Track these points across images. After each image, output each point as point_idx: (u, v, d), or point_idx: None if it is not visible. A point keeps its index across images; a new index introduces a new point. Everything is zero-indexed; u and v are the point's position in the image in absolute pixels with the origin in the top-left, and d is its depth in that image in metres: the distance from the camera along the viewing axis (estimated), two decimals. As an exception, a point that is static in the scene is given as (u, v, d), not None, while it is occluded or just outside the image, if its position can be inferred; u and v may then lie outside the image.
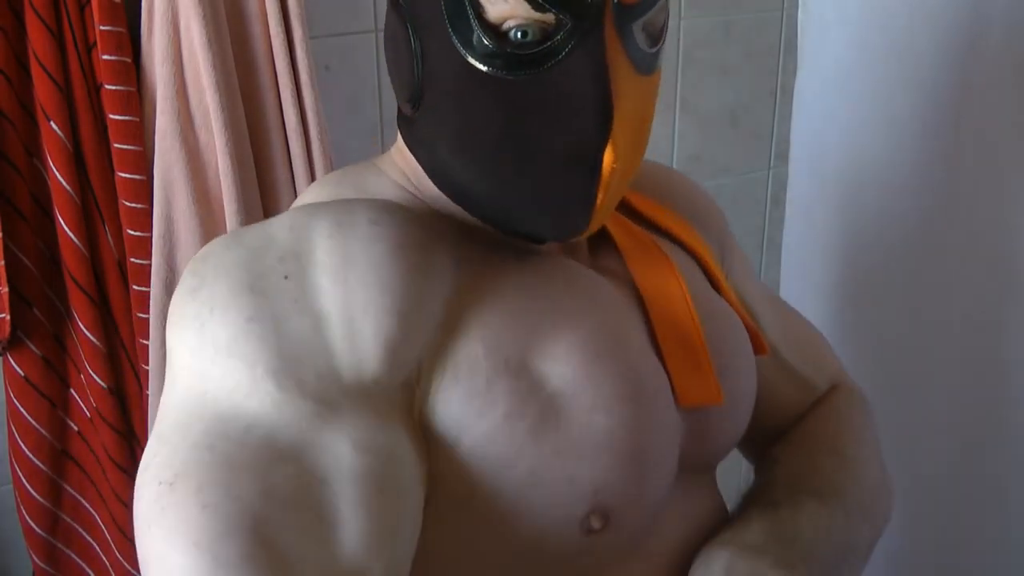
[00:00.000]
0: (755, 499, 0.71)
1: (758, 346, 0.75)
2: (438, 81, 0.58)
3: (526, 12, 0.54)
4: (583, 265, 0.69)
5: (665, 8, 0.60)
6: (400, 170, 0.67)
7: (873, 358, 1.46)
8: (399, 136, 0.68)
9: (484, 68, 0.55)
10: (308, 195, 0.67)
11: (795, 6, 1.64)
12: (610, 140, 0.55)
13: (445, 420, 0.56)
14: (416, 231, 0.58)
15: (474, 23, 0.55)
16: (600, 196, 0.57)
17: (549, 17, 0.54)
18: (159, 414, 0.55)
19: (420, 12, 0.58)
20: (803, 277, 1.59)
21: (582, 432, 0.58)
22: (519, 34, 0.55)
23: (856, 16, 1.40)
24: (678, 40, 1.61)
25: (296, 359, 0.52)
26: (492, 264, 0.62)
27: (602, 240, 0.72)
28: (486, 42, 0.55)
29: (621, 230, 0.73)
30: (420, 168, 0.66)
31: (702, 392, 0.65)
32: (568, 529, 0.58)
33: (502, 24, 0.55)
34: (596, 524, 0.58)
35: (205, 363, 0.53)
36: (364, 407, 0.53)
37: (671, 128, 1.67)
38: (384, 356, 0.54)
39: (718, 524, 0.69)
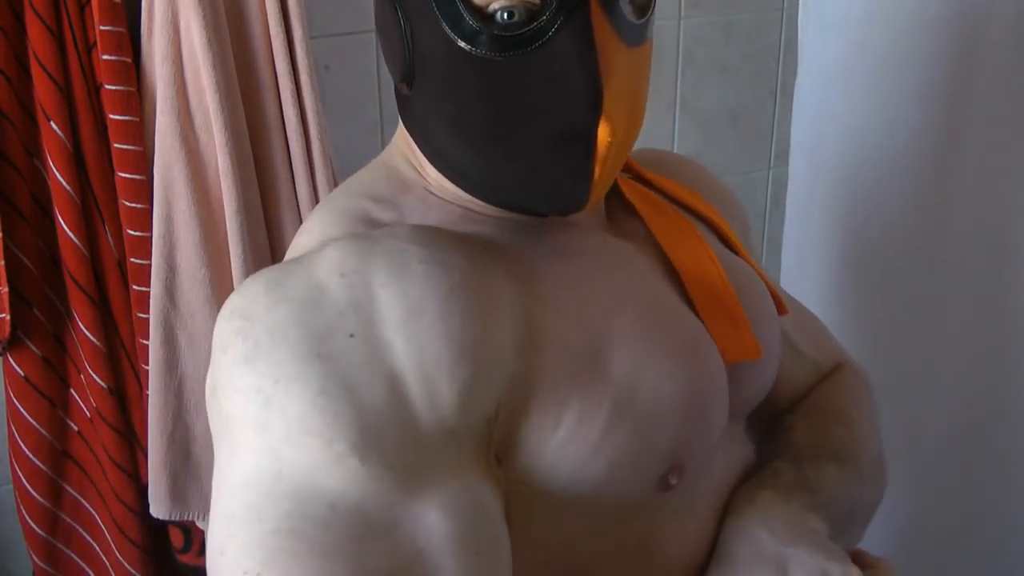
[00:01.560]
0: (779, 454, 0.73)
1: (779, 305, 0.76)
2: (428, 63, 0.58)
3: None
4: (608, 234, 0.69)
5: None
6: (408, 162, 0.67)
7: (872, 357, 1.46)
8: (401, 121, 0.68)
9: (472, 50, 0.56)
10: (323, 215, 0.64)
11: (795, 6, 1.64)
12: (603, 115, 0.55)
13: (524, 443, 0.56)
14: (462, 258, 0.56)
15: (460, 5, 0.55)
16: (597, 170, 0.57)
17: None
18: (222, 488, 0.52)
19: None
20: (803, 277, 1.59)
21: (655, 403, 0.58)
22: (505, 15, 0.55)
23: (856, 17, 1.40)
24: (678, 40, 1.61)
25: (376, 430, 0.50)
26: (532, 259, 0.62)
27: (621, 206, 0.73)
28: (473, 24, 0.55)
29: (638, 196, 0.73)
30: (415, 146, 0.66)
31: (743, 347, 0.67)
32: (647, 490, 0.60)
33: (488, 6, 0.55)
34: (674, 480, 0.60)
35: (276, 441, 0.50)
36: (446, 466, 0.52)
37: (671, 128, 1.67)
38: (463, 406, 0.52)
39: (751, 469, 0.72)
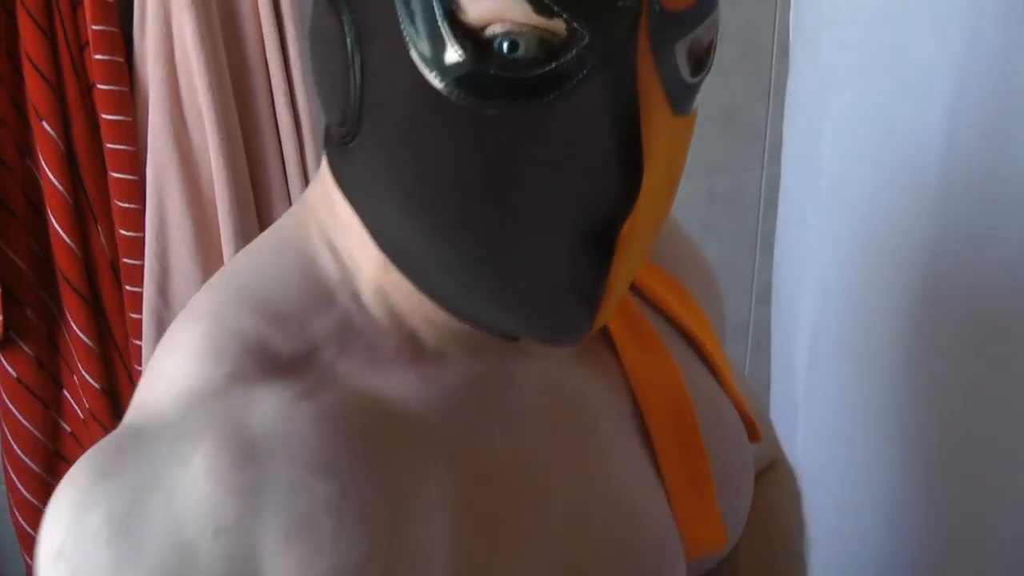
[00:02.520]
0: None
1: (753, 434, 0.63)
2: (384, 104, 0.41)
3: (523, 14, 0.37)
4: (577, 371, 0.53)
5: (717, 21, 0.43)
6: (331, 248, 0.48)
7: (868, 358, 1.46)
8: (324, 164, 0.49)
9: (453, 94, 0.38)
10: (201, 334, 0.45)
11: (787, 7, 1.64)
12: (632, 211, 0.39)
13: None
14: (380, 493, 0.42)
15: (442, 24, 0.38)
16: (610, 285, 0.41)
17: (556, 25, 0.37)
18: None
19: (361, 1, 0.42)
20: (796, 278, 1.59)
21: None
22: (508, 46, 0.38)
23: (849, 17, 1.40)
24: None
25: None
26: (467, 442, 0.46)
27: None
28: (458, 54, 0.38)
29: (617, 313, 0.58)
30: (352, 222, 0.47)
31: (709, 540, 0.55)
32: None
33: (484, 29, 0.38)
34: None
35: None
36: None
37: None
38: None
39: None
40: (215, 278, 0.49)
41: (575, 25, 0.37)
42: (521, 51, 0.38)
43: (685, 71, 0.41)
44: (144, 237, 1.12)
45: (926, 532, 1.44)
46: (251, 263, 0.49)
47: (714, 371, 0.61)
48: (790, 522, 0.75)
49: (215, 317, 0.45)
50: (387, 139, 0.41)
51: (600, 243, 0.40)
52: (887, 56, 1.35)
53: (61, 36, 1.07)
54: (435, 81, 0.39)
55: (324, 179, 0.49)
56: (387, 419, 0.44)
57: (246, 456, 0.40)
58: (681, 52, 0.41)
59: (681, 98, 0.41)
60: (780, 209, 1.66)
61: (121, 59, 1.09)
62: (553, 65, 0.38)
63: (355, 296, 0.47)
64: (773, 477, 0.78)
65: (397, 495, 0.42)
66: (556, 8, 0.37)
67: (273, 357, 0.44)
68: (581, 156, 0.39)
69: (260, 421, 0.41)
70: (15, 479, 1.20)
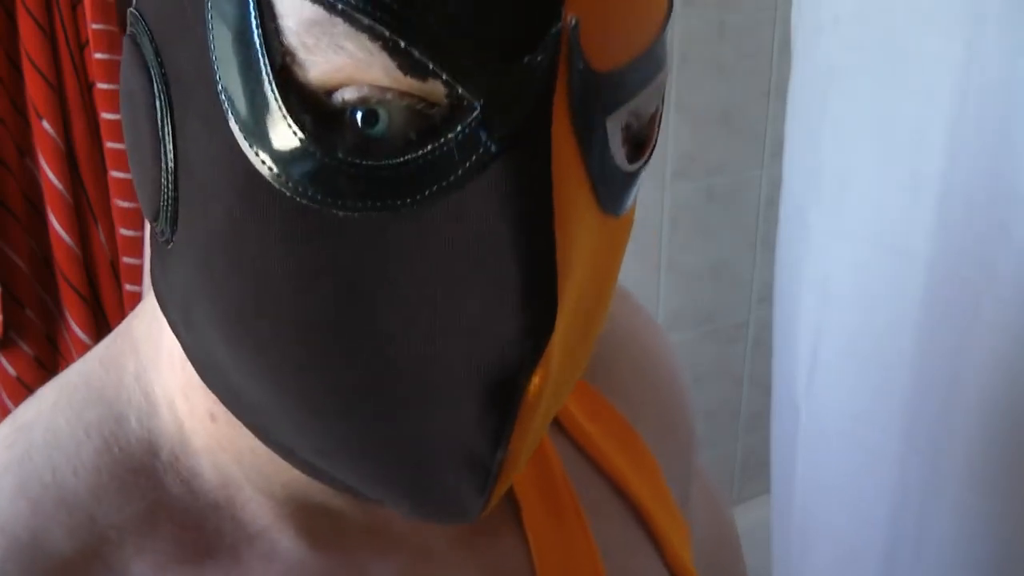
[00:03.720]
0: None
1: None
2: (199, 195, 0.29)
3: (385, 74, 0.26)
4: (452, 554, 0.40)
5: (663, 87, 0.32)
6: (147, 392, 0.38)
7: (869, 357, 1.46)
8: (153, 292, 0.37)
9: (287, 187, 0.27)
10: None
11: (788, 6, 1.64)
12: (542, 361, 0.27)
13: None
14: None
15: (270, 85, 0.27)
16: (511, 454, 0.29)
17: (434, 89, 0.26)
18: None
19: (169, 45, 0.30)
20: (798, 277, 1.59)
21: None
22: (363, 118, 0.27)
23: (850, 16, 1.40)
24: (671, 39, 1.61)
25: None
26: None
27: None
28: (293, 132, 0.27)
29: (530, 473, 0.43)
30: (175, 355, 0.36)
31: None
32: None
33: (332, 94, 0.27)
34: None
35: None
36: None
37: (665, 128, 1.67)
38: None
39: None
40: (4, 430, 0.38)
41: (460, 90, 0.26)
42: (382, 126, 0.26)
43: (620, 155, 0.30)
44: (144, 236, 1.12)
45: (926, 532, 1.43)
46: (42, 421, 0.37)
47: (660, 545, 0.47)
48: None
49: None
50: (205, 247, 0.30)
51: (498, 398, 0.28)
52: (889, 55, 1.35)
53: (61, 35, 1.07)
54: (260, 166, 0.27)
55: (149, 302, 0.38)
56: None
57: None
58: (615, 129, 0.29)
59: (614, 193, 0.30)
60: (781, 208, 1.66)
61: (120, 58, 1.09)
62: (429, 147, 0.26)
63: (172, 464, 0.36)
64: None
65: None
66: (431, 66, 0.26)
67: (45, 557, 0.33)
68: (471, 278, 0.27)
69: None
70: (15, 479, 1.20)
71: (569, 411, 0.46)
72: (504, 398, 0.28)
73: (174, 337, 0.35)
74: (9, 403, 1.16)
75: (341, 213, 0.27)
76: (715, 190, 1.72)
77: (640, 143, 0.32)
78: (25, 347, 1.15)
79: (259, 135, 0.27)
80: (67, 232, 1.10)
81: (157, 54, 0.30)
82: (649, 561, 0.47)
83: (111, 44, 1.07)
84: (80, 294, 1.12)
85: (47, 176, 1.09)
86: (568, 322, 0.28)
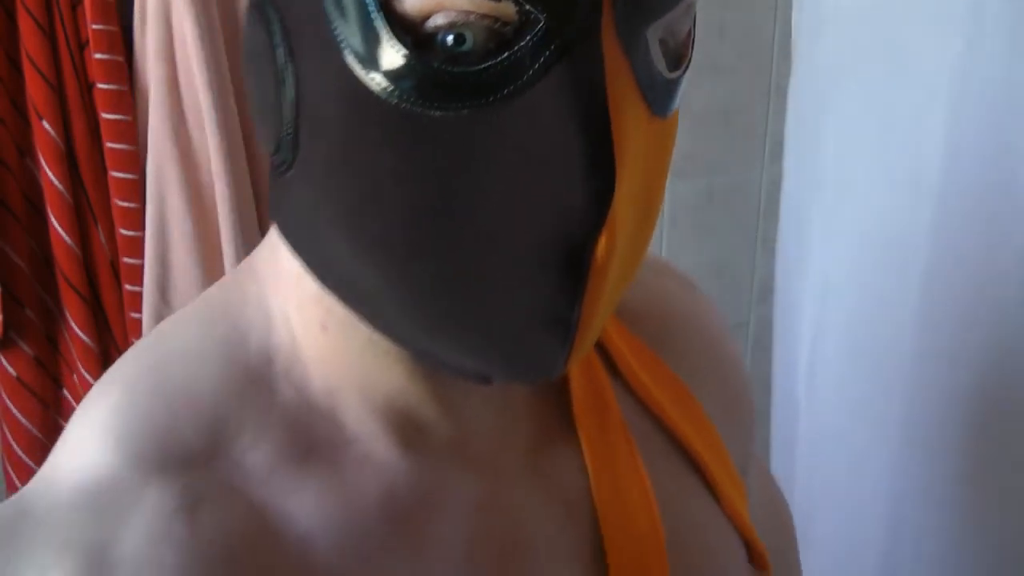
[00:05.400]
0: None
1: (760, 564, 0.56)
2: (319, 120, 0.36)
3: (468, 1, 0.33)
4: (520, 479, 0.46)
5: (693, 7, 0.38)
6: (267, 315, 0.44)
7: (870, 357, 1.46)
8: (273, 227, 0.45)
9: (393, 96, 0.34)
10: (108, 425, 0.42)
11: (789, 5, 1.64)
12: (606, 225, 0.33)
13: None
14: None
15: (376, 17, 0.33)
16: (583, 316, 0.35)
17: (506, 8, 0.33)
18: None
19: (287, 7, 0.37)
20: (797, 276, 1.59)
21: None
22: (452, 39, 0.33)
23: (851, 16, 1.40)
24: (672, 39, 1.62)
25: None
26: (369, 568, 0.41)
27: (563, 416, 0.49)
28: (397, 52, 0.33)
29: (592, 407, 0.49)
30: (292, 278, 0.43)
31: None
32: None
33: (425, 20, 0.33)
34: None
35: None
36: None
37: (665, 127, 1.67)
38: None
39: None
40: (146, 339, 0.46)
41: (527, 7, 0.32)
42: (468, 44, 0.33)
43: (660, 64, 0.36)
44: (144, 236, 1.12)
45: (926, 531, 1.43)
46: (179, 331, 0.45)
47: (715, 492, 0.52)
48: None
49: (128, 392, 0.42)
50: (325, 160, 0.37)
51: (572, 262, 0.34)
52: (889, 55, 1.35)
53: (61, 35, 1.07)
54: (372, 84, 0.34)
55: (270, 234, 0.45)
56: (269, 545, 0.40)
57: None
58: (654, 41, 0.36)
59: (658, 96, 0.36)
60: (782, 208, 1.66)
61: (121, 58, 1.09)
62: (504, 56, 0.33)
63: (286, 374, 0.43)
64: None
65: None
66: None
67: (177, 447, 0.40)
68: (543, 160, 0.33)
69: (132, 540, 0.38)
70: (15, 479, 1.19)
71: (632, 368, 0.52)
72: (576, 262, 0.34)
73: (290, 261, 0.42)
74: (9, 403, 1.16)
75: (438, 114, 0.33)
76: (715, 190, 1.72)
77: (677, 56, 0.38)
78: (25, 347, 1.15)
79: (370, 60, 0.34)
80: (67, 232, 1.10)
81: (277, 11, 0.37)
82: (705, 506, 0.52)
83: (111, 44, 1.07)
84: (80, 294, 1.12)
85: (47, 176, 1.09)
86: (626, 197, 0.34)
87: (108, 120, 1.09)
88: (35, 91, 1.07)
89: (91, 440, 0.41)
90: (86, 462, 0.40)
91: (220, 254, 1.15)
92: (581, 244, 0.34)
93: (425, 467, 0.43)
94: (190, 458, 0.40)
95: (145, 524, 0.38)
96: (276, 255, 0.44)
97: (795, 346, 1.51)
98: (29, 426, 1.17)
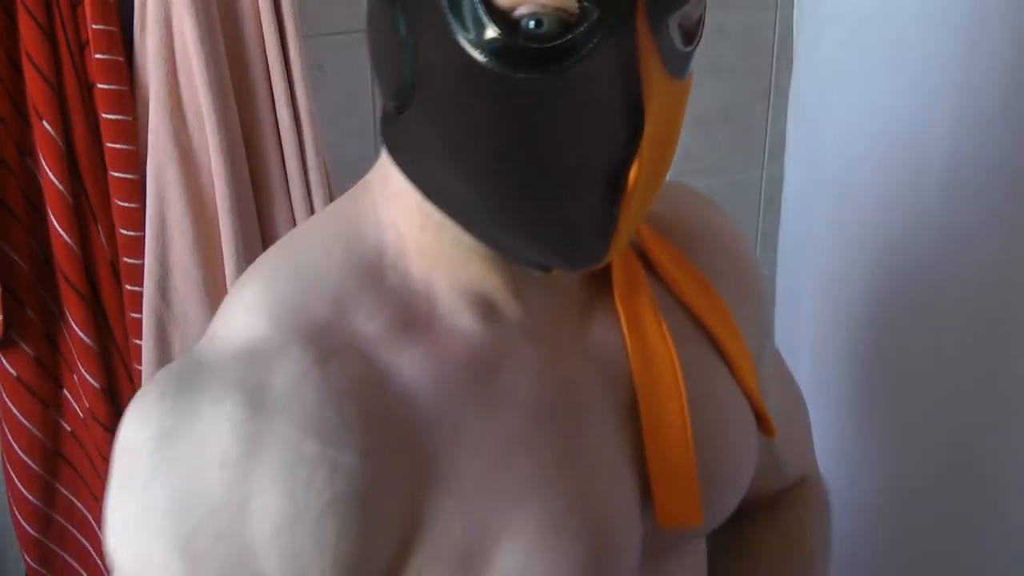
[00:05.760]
0: None
1: (766, 429, 0.68)
2: (431, 77, 0.50)
3: None
4: (574, 351, 0.59)
5: (704, 1, 0.53)
6: (378, 223, 0.58)
7: (870, 358, 1.46)
8: (383, 156, 0.59)
9: (489, 63, 0.48)
10: (259, 300, 0.55)
11: (789, 5, 1.64)
12: (637, 155, 0.48)
13: None
14: (356, 454, 0.51)
15: (479, 8, 0.47)
16: (621, 220, 0.50)
17: (571, 4, 0.47)
18: None
19: None
20: (798, 276, 1.59)
21: None
22: (532, 24, 0.47)
23: (852, 14, 1.40)
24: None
25: None
26: (453, 420, 0.53)
27: (608, 308, 0.62)
28: (493, 32, 0.47)
29: (630, 296, 0.62)
30: (399, 192, 0.57)
31: (683, 514, 0.60)
32: None
33: (513, 10, 0.47)
34: None
35: None
36: None
37: (665, 127, 1.67)
38: None
39: None
40: (284, 239, 0.60)
41: (586, 4, 0.47)
42: (544, 28, 0.47)
43: (678, 41, 0.50)
44: (144, 236, 1.12)
45: (925, 531, 1.44)
46: (309, 232, 0.59)
47: (731, 367, 0.66)
48: (814, 544, 0.79)
49: (270, 277, 0.56)
50: (437, 106, 0.51)
51: (612, 181, 0.49)
52: (890, 54, 1.35)
53: (61, 35, 1.07)
54: (476, 55, 0.48)
55: (381, 160, 0.59)
56: (381, 390, 0.53)
57: (258, 411, 0.50)
58: (673, 25, 0.50)
59: (675, 63, 0.50)
60: (783, 208, 1.66)
61: (121, 58, 1.09)
62: (569, 37, 0.47)
63: (393, 264, 0.56)
64: (801, 495, 0.81)
65: (369, 460, 0.51)
66: None
67: (310, 317, 0.53)
68: (593, 110, 0.48)
69: (279, 382, 0.51)
70: (15, 479, 1.19)
71: (662, 263, 0.65)
72: (614, 181, 0.49)
73: (398, 180, 0.56)
74: (9, 403, 1.16)
75: (521, 76, 0.48)
76: (715, 191, 1.72)
77: (690, 34, 0.52)
78: (25, 347, 1.15)
79: (475, 39, 0.48)
80: (67, 232, 1.10)
81: (400, 2, 0.50)
82: (721, 377, 0.65)
83: (111, 44, 1.07)
84: (80, 294, 1.12)
85: (47, 176, 1.09)
86: (651, 136, 0.48)
87: (108, 120, 1.09)
88: (35, 91, 1.07)
89: (244, 314, 0.54)
90: (241, 329, 0.53)
91: (220, 254, 1.15)
92: (618, 168, 0.48)
93: (498, 338, 0.56)
94: (320, 326, 0.53)
95: (289, 370, 0.51)
96: (386, 175, 0.57)
97: (796, 345, 1.51)
98: (29, 426, 1.17)
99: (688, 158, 1.68)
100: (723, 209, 0.75)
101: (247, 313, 0.54)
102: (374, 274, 0.56)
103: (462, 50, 0.48)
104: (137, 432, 0.52)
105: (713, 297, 0.67)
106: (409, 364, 0.54)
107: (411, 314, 0.55)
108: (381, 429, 0.52)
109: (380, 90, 0.55)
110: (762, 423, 0.68)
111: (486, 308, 0.57)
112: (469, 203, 0.52)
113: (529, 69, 0.48)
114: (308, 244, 0.58)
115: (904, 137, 1.37)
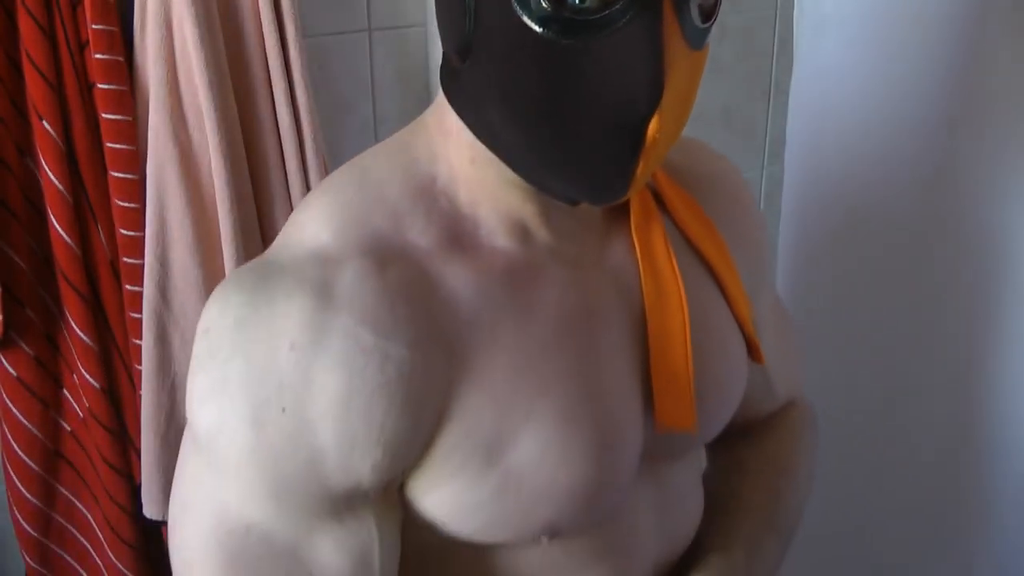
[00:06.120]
0: (713, 545, 0.78)
1: (756, 356, 0.78)
2: (489, 38, 0.59)
3: None
4: (597, 273, 0.69)
5: None
6: (433, 153, 0.66)
7: (868, 357, 1.46)
8: (441, 98, 0.68)
9: (540, 30, 0.56)
10: (328, 212, 0.64)
11: (789, 5, 1.64)
12: (657, 111, 0.56)
13: (417, 493, 0.64)
14: (404, 347, 0.59)
15: None
16: (641, 165, 0.59)
17: None
18: (176, 482, 0.64)
19: None
20: (798, 276, 1.59)
21: (545, 487, 0.63)
22: (577, 0, 0.55)
23: (853, 14, 1.40)
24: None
25: (291, 488, 0.60)
26: (488, 321, 0.62)
27: (626, 237, 0.72)
28: (543, 5, 0.55)
29: (645, 230, 0.72)
30: (452, 130, 0.66)
31: (679, 419, 0.69)
32: (524, 542, 0.66)
33: None
34: (544, 540, 0.66)
35: (215, 474, 0.61)
36: (348, 513, 0.61)
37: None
38: (374, 477, 0.60)
39: (690, 509, 0.78)
40: (349, 163, 0.68)
41: None
42: (586, 3, 0.55)
43: (697, 19, 0.58)
44: (144, 236, 1.12)
45: (925, 531, 1.44)
46: (371, 159, 0.67)
47: (727, 298, 0.75)
48: (796, 461, 0.88)
49: (340, 192, 0.65)
50: (493, 61, 0.59)
51: (636, 129, 0.57)
52: (890, 54, 1.35)
53: (61, 35, 1.07)
54: (529, 22, 0.56)
55: (438, 102, 0.67)
56: (429, 294, 0.61)
57: (324, 304, 0.58)
58: (694, 6, 0.58)
59: (694, 37, 0.58)
60: (783, 207, 1.66)
61: (121, 58, 1.09)
62: (608, 12, 0.55)
63: (444, 190, 0.65)
64: (788, 417, 0.91)
65: (415, 352, 0.59)
66: None
67: (371, 229, 0.62)
68: (624, 73, 0.56)
69: (343, 282, 0.59)
70: (15, 479, 1.19)
71: (674, 204, 0.74)
72: (637, 130, 0.57)
73: (452, 120, 0.65)
74: (9, 403, 1.16)
75: (567, 42, 0.56)
76: (715, 190, 1.72)
77: (707, 13, 0.60)
78: (25, 347, 1.15)
79: (527, 7, 0.55)
80: (67, 232, 1.10)
81: None
82: (719, 307, 0.75)
83: (111, 44, 1.07)
84: (80, 294, 1.12)
85: (47, 176, 1.09)
86: (670, 95, 0.56)
87: (108, 120, 1.09)
88: (35, 91, 1.07)
89: (313, 223, 0.63)
90: (310, 237, 0.62)
91: (220, 254, 1.15)
92: (642, 120, 0.56)
93: (532, 257, 0.65)
94: (380, 236, 0.62)
95: (352, 272, 0.60)
96: (442, 115, 0.66)
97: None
98: (29, 426, 1.18)
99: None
100: (735, 166, 0.86)
101: (315, 225, 0.63)
102: (428, 197, 0.64)
103: (518, 17, 0.56)
104: (216, 320, 0.60)
105: (716, 237, 0.76)
106: (454, 275, 0.62)
107: (457, 233, 0.64)
108: (427, 327, 0.60)
109: (443, 42, 0.63)
110: (752, 350, 0.77)
111: (522, 232, 0.66)
112: (514, 143, 0.61)
113: (572, 37, 0.56)
114: (371, 167, 0.67)
115: (904, 137, 1.37)
